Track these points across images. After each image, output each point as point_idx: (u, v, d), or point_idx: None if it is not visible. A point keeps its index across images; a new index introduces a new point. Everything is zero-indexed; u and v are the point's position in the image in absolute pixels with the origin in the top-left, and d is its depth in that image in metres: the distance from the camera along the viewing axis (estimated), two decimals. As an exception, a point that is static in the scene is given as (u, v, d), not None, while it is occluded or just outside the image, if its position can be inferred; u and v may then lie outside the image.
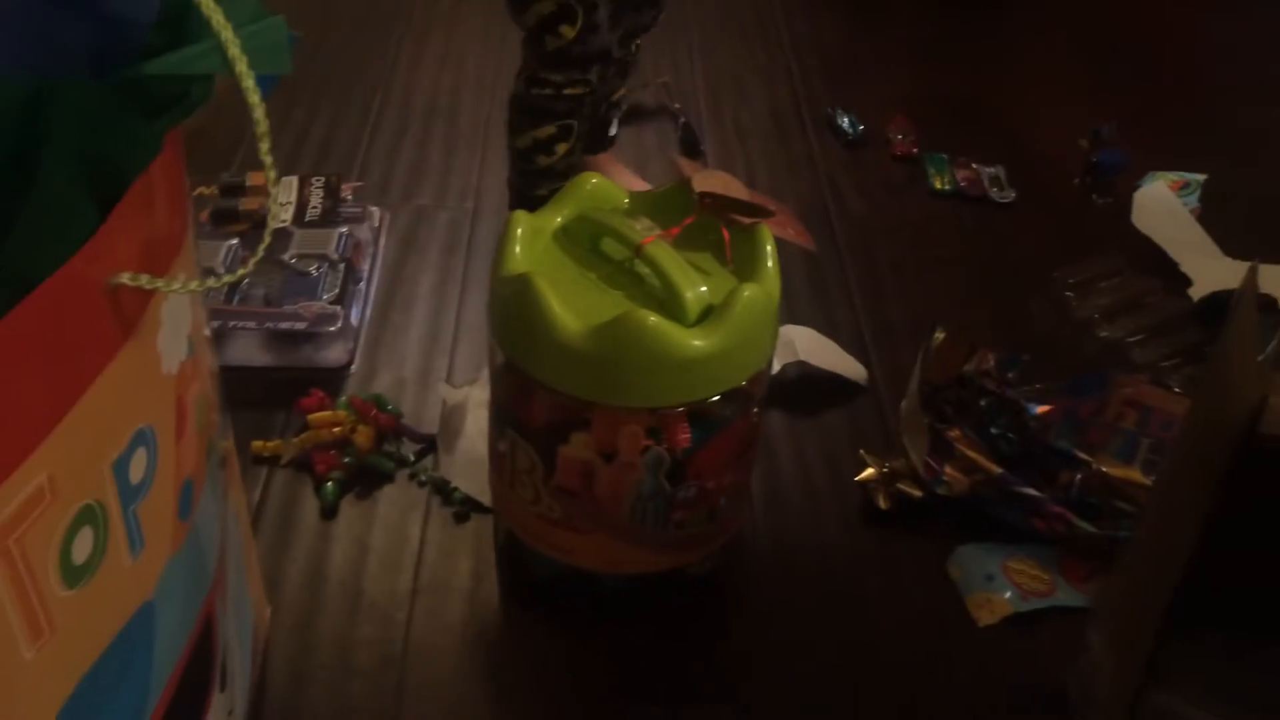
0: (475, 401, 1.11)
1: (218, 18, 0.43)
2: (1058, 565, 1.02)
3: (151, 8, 0.42)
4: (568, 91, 1.25)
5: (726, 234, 0.91)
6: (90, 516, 0.50)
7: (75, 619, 0.50)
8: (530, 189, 1.32)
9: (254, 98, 0.45)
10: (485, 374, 1.05)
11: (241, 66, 0.44)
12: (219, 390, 0.71)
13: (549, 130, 1.28)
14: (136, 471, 0.53)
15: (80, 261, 0.45)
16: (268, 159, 0.47)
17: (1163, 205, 1.48)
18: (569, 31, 1.20)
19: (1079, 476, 1.04)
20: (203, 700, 0.68)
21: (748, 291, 0.85)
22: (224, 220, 1.30)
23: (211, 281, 0.49)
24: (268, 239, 0.50)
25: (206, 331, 0.66)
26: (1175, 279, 1.40)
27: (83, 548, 0.50)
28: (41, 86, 0.42)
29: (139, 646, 0.56)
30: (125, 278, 0.46)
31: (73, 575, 0.49)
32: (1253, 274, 0.80)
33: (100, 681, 0.53)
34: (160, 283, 0.47)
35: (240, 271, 0.50)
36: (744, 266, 0.90)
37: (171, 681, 0.61)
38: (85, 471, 0.49)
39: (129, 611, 0.55)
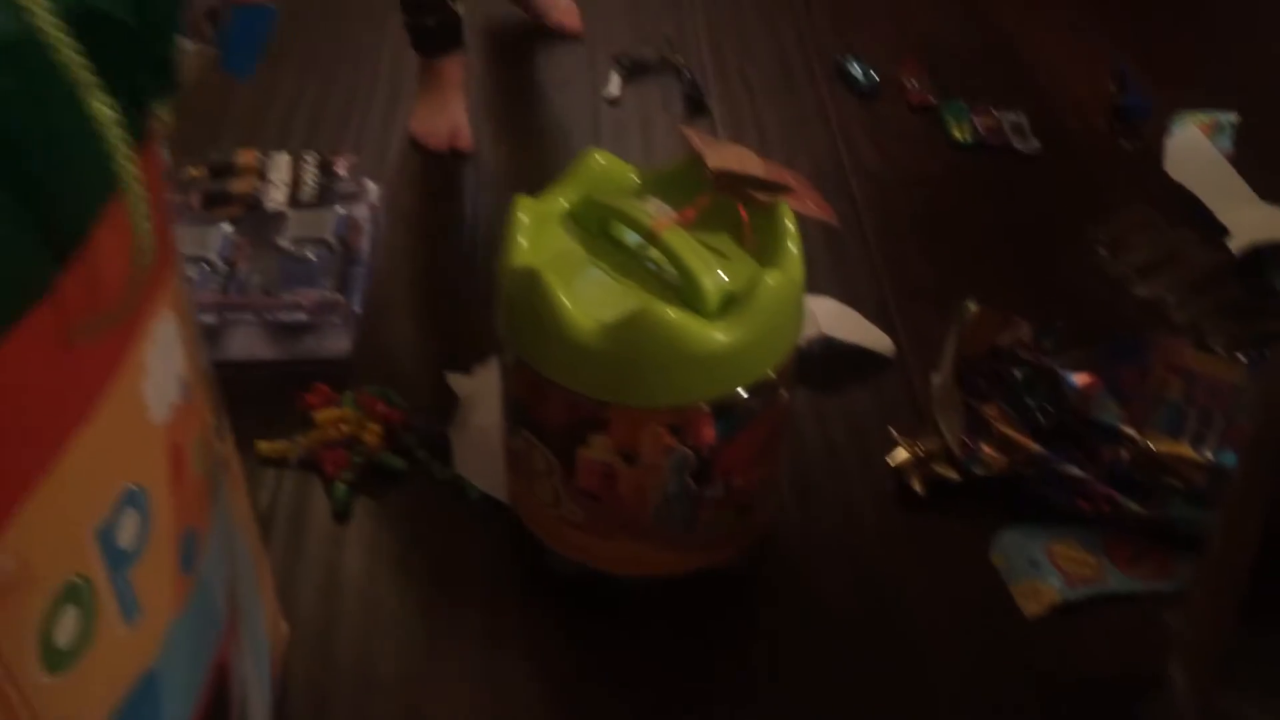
0: (487, 391, 1.06)
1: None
2: (1103, 548, 0.97)
3: None
4: None
5: (745, 215, 0.86)
6: (74, 594, 0.45)
7: (63, 705, 0.46)
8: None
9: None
10: (496, 360, 1.00)
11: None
12: (215, 393, 0.66)
13: None
14: (126, 535, 0.48)
15: (35, 321, 0.39)
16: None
17: (1197, 151, 1.41)
18: None
19: (1124, 453, 0.99)
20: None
21: (771, 279, 0.80)
22: (215, 203, 1.24)
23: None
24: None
25: (202, 364, 0.60)
26: (1211, 228, 1.33)
27: (66, 629, 0.45)
28: None
29: (142, 718, 0.52)
30: (89, 330, 0.41)
31: (56, 659, 0.45)
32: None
33: (99, 763, 0.49)
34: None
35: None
36: (764, 249, 0.85)
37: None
38: (63, 547, 0.44)
39: (128, 684, 0.50)
